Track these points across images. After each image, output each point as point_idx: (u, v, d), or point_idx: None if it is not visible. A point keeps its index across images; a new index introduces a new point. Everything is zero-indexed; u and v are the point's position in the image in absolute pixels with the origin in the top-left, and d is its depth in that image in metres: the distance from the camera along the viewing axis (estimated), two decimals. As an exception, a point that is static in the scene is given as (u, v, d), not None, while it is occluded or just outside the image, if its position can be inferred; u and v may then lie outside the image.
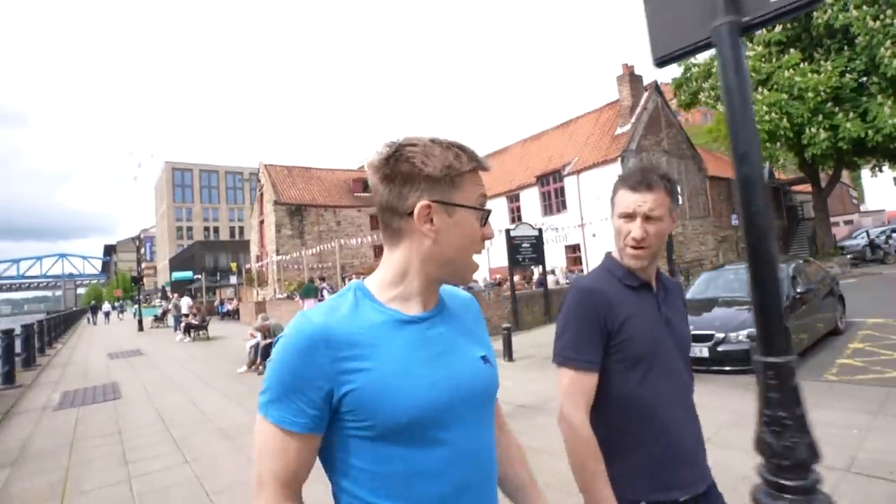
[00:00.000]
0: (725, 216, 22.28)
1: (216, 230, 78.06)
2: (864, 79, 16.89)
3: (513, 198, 23.44)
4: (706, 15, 1.37)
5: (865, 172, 52.64)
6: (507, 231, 12.50)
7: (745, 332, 5.75)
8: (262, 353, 8.34)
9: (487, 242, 0.86)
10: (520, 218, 21.32)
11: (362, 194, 30.82)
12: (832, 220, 31.47)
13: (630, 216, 1.20)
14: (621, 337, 1.18)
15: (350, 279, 16.84)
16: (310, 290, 13.70)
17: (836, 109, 16.99)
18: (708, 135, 29.45)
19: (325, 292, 14.19)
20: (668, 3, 1.59)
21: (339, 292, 0.87)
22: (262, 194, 30.22)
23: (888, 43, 15.25)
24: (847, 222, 30.26)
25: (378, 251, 29.37)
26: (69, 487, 3.82)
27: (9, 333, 8.96)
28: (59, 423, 5.92)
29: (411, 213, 0.79)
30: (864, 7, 15.75)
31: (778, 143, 18.30)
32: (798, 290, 6.34)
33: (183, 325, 16.47)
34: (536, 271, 16.75)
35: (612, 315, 1.19)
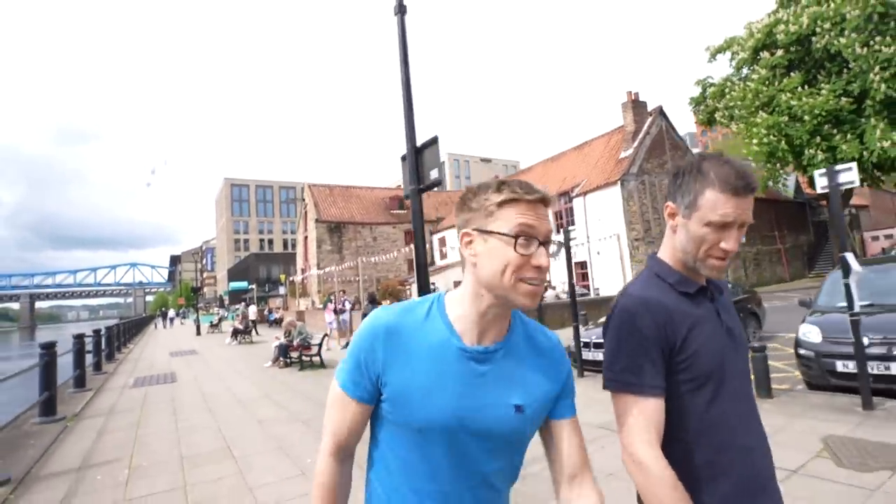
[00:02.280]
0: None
1: (270, 242, 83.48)
2: (858, 103, 17.31)
3: (530, 216, 24.96)
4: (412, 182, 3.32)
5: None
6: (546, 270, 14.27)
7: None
8: (281, 352, 10.52)
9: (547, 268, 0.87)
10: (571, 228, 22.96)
11: (398, 211, 33.27)
12: (874, 233, 30.67)
13: (727, 225, 1.00)
14: (686, 353, 1.01)
15: (373, 291, 18.92)
16: (329, 301, 15.95)
17: (835, 131, 17.48)
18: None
19: (346, 303, 16.37)
20: (418, 164, 3.52)
21: (422, 298, 0.99)
22: (305, 212, 33.32)
23: (877, 68, 15.78)
24: (888, 236, 29.31)
25: (411, 265, 31.70)
26: (140, 425, 6.00)
27: (98, 333, 11.78)
28: (133, 395, 8.30)
29: None
30: (855, 34, 16.36)
31: (778, 164, 18.88)
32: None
33: (231, 330, 19.21)
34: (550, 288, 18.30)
35: (673, 328, 1.01)
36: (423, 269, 3.92)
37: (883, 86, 15.68)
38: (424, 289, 3.94)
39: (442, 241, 31.32)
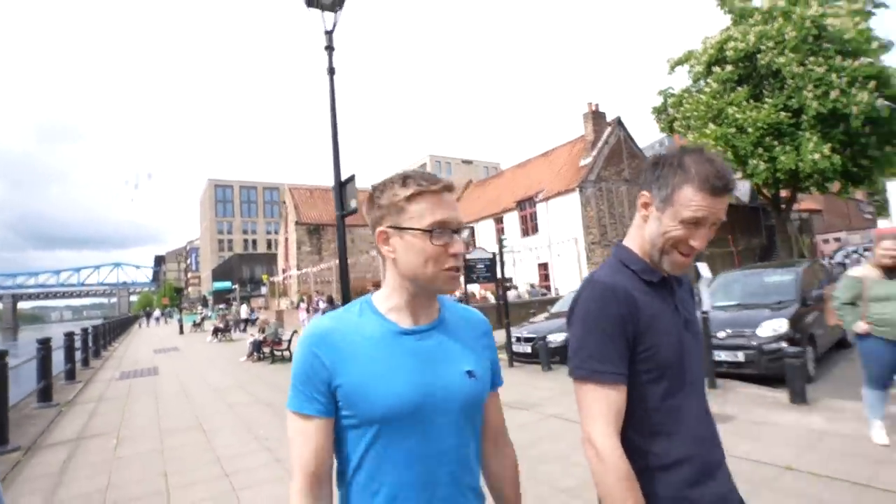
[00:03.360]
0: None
1: (254, 243, 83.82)
2: (796, 117, 18.81)
3: (498, 220, 26.24)
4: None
5: (892, 187, 52.25)
6: (463, 255, 15.43)
7: (563, 335, 8.46)
8: (255, 347, 11.56)
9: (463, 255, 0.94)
10: (503, 238, 24.26)
11: (375, 213, 34.30)
12: (825, 236, 32.50)
13: (699, 222, 1.00)
14: (648, 342, 1.01)
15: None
16: (302, 301, 16.96)
17: (776, 143, 18.93)
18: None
19: (320, 303, 17.37)
20: (342, 196, 4.64)
21: (351, 303, 1.01)
22: (286, 214, 34.19)
23: (810, 86, 17.25)
24: (836, 239, 31.13)
25: (389, 265, 32.64)
26: (125, 408, 7.03)
27: (85, 331, 12.70)
28: (119, 385, 9.29)
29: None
30: (792, 53, 17.81)
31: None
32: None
33: (212, 328, 20.10)
34: (515, 287, 19.56)
35: (637, 316, 1.01)
36: (346, 278, 5.05)
37: (815, 103, 17.12)
38: (347, 298, 5.07)
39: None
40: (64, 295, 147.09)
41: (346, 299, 5.12)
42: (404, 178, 0.92)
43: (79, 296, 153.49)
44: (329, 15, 5.25)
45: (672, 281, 1.12)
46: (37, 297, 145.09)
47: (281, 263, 36.26)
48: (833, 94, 16.93)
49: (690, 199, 0.99)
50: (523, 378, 7.34)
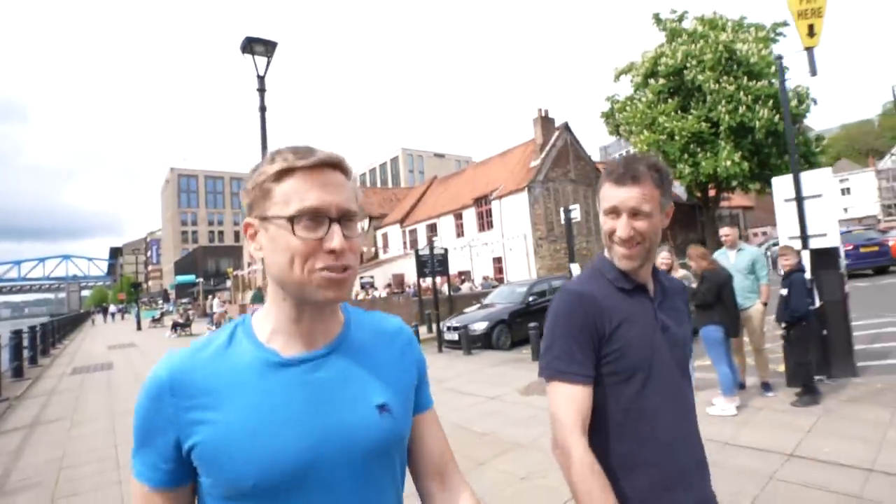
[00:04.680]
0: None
1: (221, 234, 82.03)
2: (716, 128, 20.80)
3: (458, 216, 27.42)
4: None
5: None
6: (416, 251, 16.46)
7: (483, 324, 9.66)
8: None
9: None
10: (463, 233, 25.51)
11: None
12: (754, 230, 35.28)
13: (615, 212, 1.07)
14: (613, 346, 1.05)
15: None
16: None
17: (699, 150, 20.84)
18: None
19: (214, 304, 18.07)
20: None
21: (222, 328, 0.79)
22: (248, 208, 34.27)
23: (724, 101, 19.17)
24: (763, 233, 33.87)
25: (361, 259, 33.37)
26: (79, 398, 7.77)
27: (33, 328, 13.09)
28: (72, 379, 9.92)
29: None
30: (710, 72, 19.69)
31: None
32: (529, 300, 10.22)
33: (171, 323, 20.46)
34: (470, 280, 20.78)
35: (602, 321, 1.06)
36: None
37: (727, 116, 19.10)
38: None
39: (385, 237, 33.33)
40: (1, 291, 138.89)
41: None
42: (273, 154, 0.73)
43: (19, 291, 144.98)
44: (261, 60, 6.13)
45: (655, 288, 1.16)
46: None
47: (246, 257, 36.34)
48: (741, 110, 18.98)
49: (605, 193, 1.09)
50: (445, 361, 8.47)
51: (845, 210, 55.93)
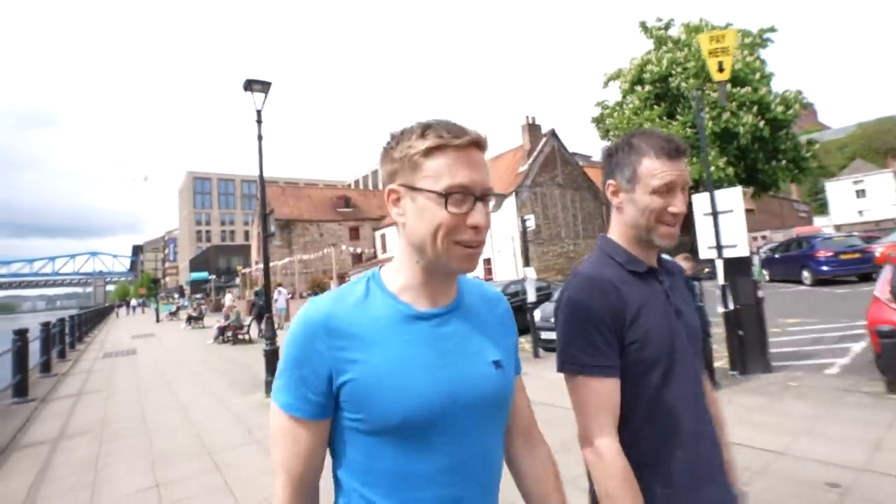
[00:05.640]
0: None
1: (232, 234, 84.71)
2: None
3: (453, 216, 28.68)
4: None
5: (831, 188, 56.25)
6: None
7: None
8: (219, 331, 13.87)
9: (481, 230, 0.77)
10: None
11: (344, 210, 36.45)
12: (753, 234, 35.86)
13: (670, 188, 1.01)
14: (636, 334, 0.99)
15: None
16: (258, 294, 19.03)
17: (684, 155, 21.78)
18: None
19: (280, 291, 19.62)
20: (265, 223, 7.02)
21: (354, 279, 0.85)
22: (259, 209, 36.09)
23: (707, 108, 20.04)
24: (763, 237, 34.40)
25: (356, 259, 35.16)
26: (111, 380, 9.34)
27: (72, 318, 14.89)
28: (104, 362, 11.56)
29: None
30: (693, 79, 20.59)
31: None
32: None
33: (185, 316, 22.21)
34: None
35: (623, 306, 0.99)
36: (268, 285, 7.48)
37: (710, 123, 19.96)
38: (269, 301, 7.48)
39: (383, 238, 34.79)
40: (38, 284, 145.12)
41: (268, 300, 7.55)
42: (424, 128, 0.76)
43: (53, 285, 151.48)
44: (259, 95, 7.54)
45: (662, 271, 1.11)
46: (9, 286, 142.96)
47: (254, 256, 38.15)
48: (725, 116, 19.78)
49: (654, 169, 1.01)
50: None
51: (860, 213, 53.33)
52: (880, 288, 4.71)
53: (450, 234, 0.75)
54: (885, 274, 4.79)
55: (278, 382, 0.79)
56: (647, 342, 0.99)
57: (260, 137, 7.58)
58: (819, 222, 49.87)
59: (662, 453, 1.00)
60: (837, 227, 48.40)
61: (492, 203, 0.79)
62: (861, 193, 54.91)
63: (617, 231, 1.11)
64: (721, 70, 7.00)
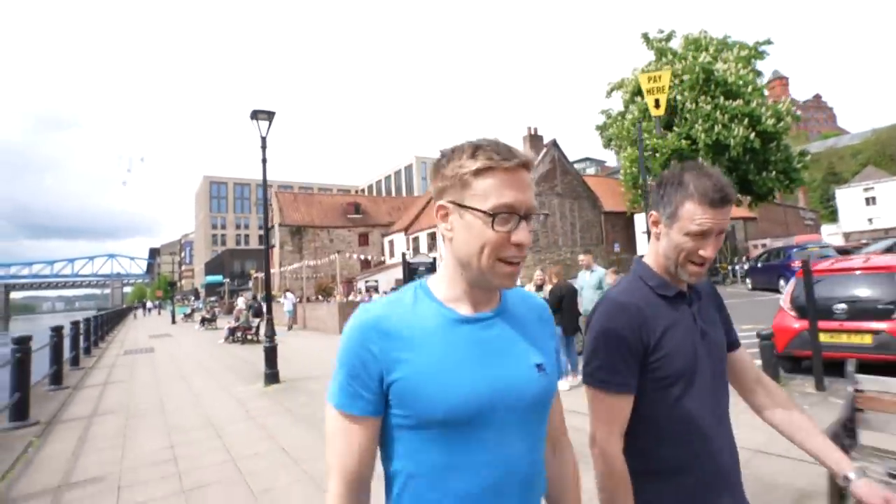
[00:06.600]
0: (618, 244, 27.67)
1: (247, 238, 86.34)
2: (695, 144, 22.28)
3: (455, 226, 29.55)
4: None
5: (841, 195, 55.79)
6: (403, 255, 18.75)
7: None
8: (230, 332, 14.91)
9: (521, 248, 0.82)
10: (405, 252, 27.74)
11: (354, 216, 37.58)
12: (754, 242, 36.09)
13: (704, 234, 1.07)
14: (659, 354, 1.09)
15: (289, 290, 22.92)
16: (255, 297, 20.19)
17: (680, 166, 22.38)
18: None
19: (288, 295, 20.69)
20: (267, 236, 7.99)
21: (403, 288, 0.93)
22: (272, 215, 37.42)
23: (700, 121, 20.70)
24: (763, 245, 34.59)
25: (364, 265, 36.18)
26: (133, 373, 10.38)
27: (96, 318, 16.09)
28: (125, 358, 12.67)
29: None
30: (688, 92, 21.25)
31: (639, 190, 23.77)
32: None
33: (199, 317, 23.38)
34: None
35: (647, 330, 1.09)
36: (269, 290, 8.41)
37: (703, 135, 20.57)
38: (269, 305, 8.40)
39: (391, 244, 35.80)
40: (58, 285, 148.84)
41: (268, 303, 8.49)
42: (475, 149, 0.82)
43: (72, 286, 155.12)
44: (263, 123, 8.53)
45: (692, 293, 1.18)
46: (29, 287, 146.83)
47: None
48: (717, 129, 20.39)
49: (693, 214, 1.05)
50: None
51: (869, 221, 52.77)
52: (784, 298, 5.48)
53: (494, 252, 0.81)
54: (790, 287, 5.56)
55: (333, 384, 0.84)
56: (669, 362, 1.08)
57: (264, 161, 8.55)
58: (828, 230, 49.55)
59: (678, 464, 1.08)
60: (846, 235, 48.19)
61: (534, 221, 0.85)
62: (871, 201, 54.10)
63: (652, 256, 1.20)
64: (657, 106, 7.83)
